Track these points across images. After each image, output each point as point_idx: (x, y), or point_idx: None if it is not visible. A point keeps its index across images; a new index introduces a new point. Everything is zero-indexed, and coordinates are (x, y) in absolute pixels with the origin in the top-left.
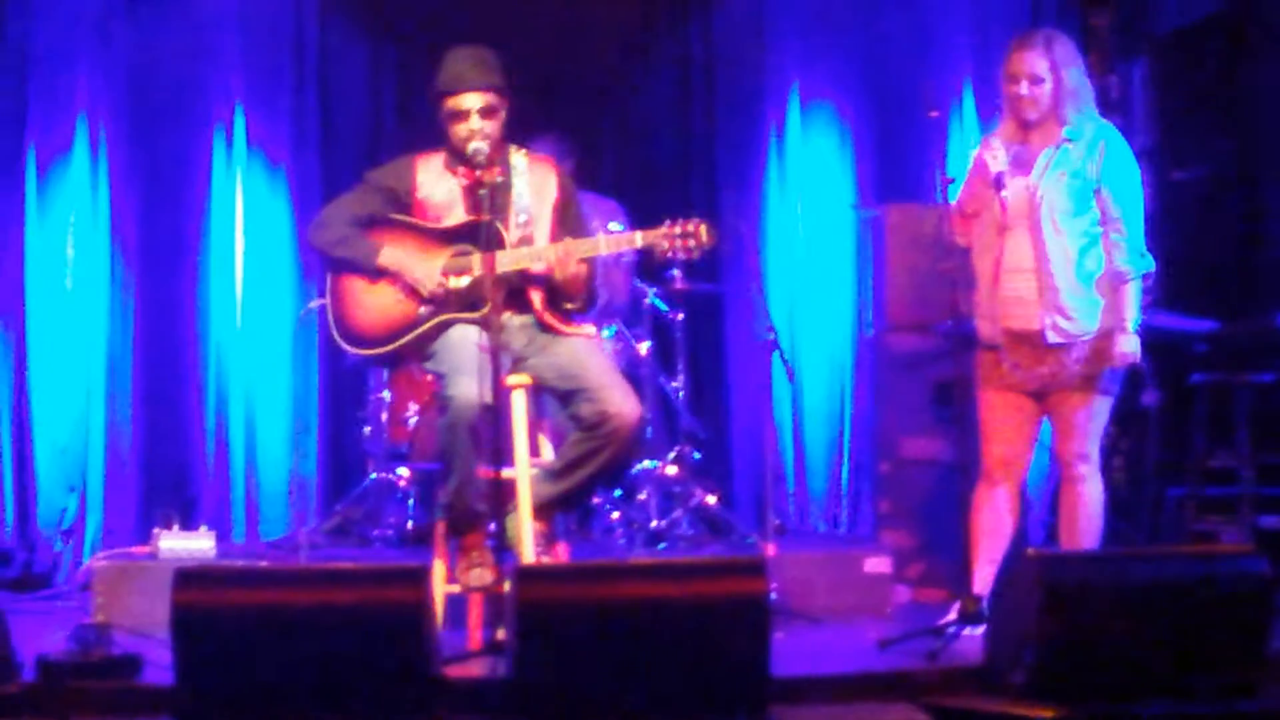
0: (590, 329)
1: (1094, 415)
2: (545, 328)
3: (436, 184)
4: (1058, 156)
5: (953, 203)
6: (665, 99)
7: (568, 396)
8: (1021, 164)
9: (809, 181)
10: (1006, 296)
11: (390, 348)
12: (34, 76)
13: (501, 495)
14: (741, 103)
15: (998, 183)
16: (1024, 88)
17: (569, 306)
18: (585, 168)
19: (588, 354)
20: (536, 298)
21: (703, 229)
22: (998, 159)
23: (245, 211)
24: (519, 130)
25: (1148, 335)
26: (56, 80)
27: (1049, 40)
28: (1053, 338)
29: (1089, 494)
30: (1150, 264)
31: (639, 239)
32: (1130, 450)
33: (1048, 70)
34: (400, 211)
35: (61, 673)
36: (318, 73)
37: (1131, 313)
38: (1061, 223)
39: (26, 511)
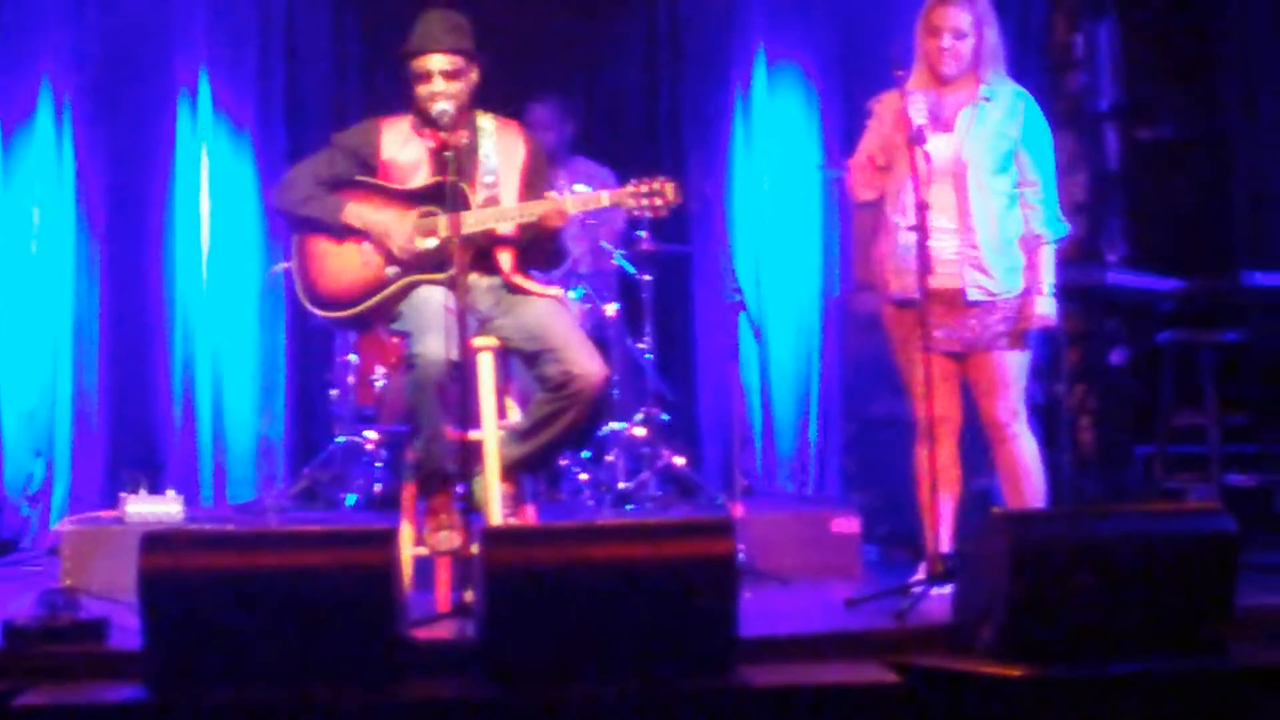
0: (557, 290)
1: (1018, 372)
2: (512, 289)
3: (403, 146)
4: (978, 115)
5: (857, 154)
6: (631, 60)
7: (533, 358)
8: (939, 120)
9: (775, 142)
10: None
11: (357, 309)
12: None
13: (469, 457)
14: (707, 63)
15: (919, 136)
16: (946, 40)
17: (541, 266)
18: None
19: (553, 315)
20: (504, 258)
21: (668, 187)
22: (919, 111)
23: (210, 176)
24: (508, 95)
25: (1115, 294)
26: (19, 44)
27: None
28: (974, 295)
29: (1024, 450)
30: (1065, 228)
31: (605, 198)
32: (1098, 409)
33: (970, 25)
34: (366, 174)
35: (29, 637)
36: (283, 38)
37: (1049, 275)
38: (986, 181)
39: None
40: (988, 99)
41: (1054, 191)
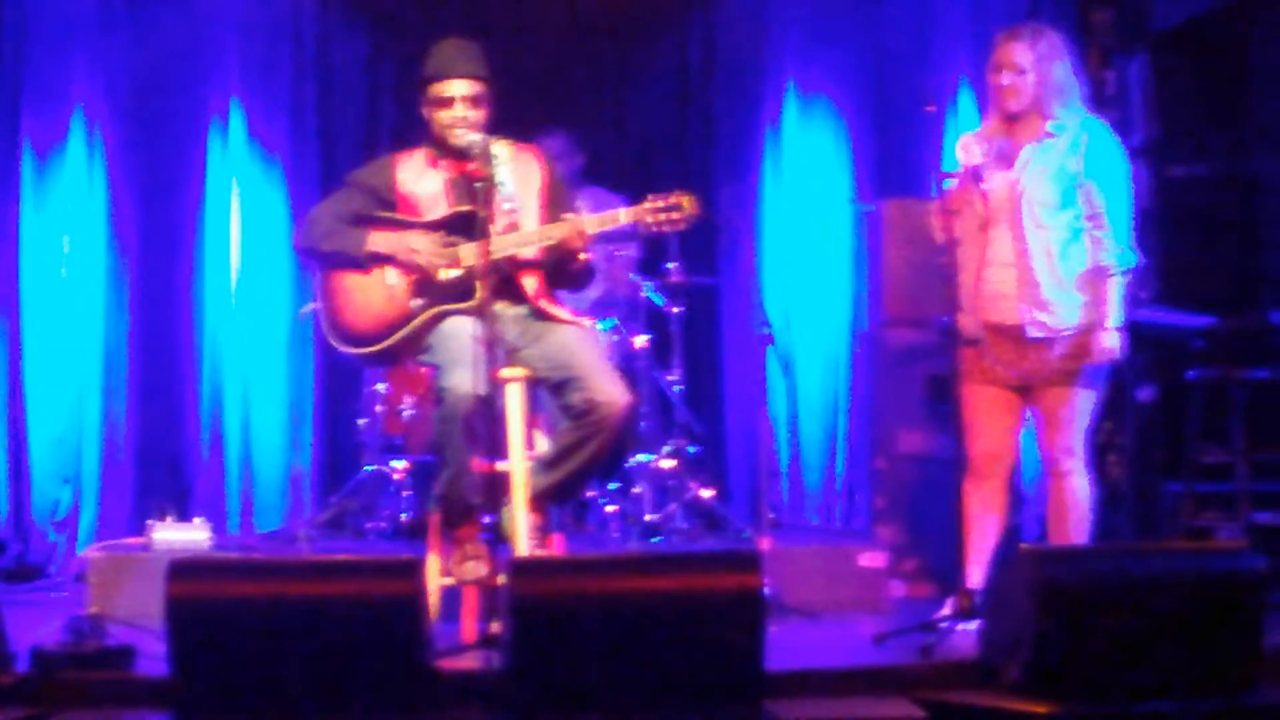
0: (585, 320)
1: (1078, 410)
2: (540, 315)
3: (419, 179)
4: (1040, 150)
5: (941, 199)
6: (663, 93)
7: (558, 386)
8: (1004, 158)
9: (806, 176)
10: (988, 291)
11: (384, 344)
12: (29, 67)
13: (496, 488)
14: (739, 96)
15: (975, 176)
16: (1006, 78)
17: (567, 281)
18: (587, 162)
19: (578, 343)
20: (530, 283)
21: (685, 200)
22: (973, 153)
23: (241, 204)
24: (520, 126)
25: (1145, 330)
26: (52, 71)
27: (1036, 33)
28: (1033, 332)
29: (1076, 489)
30: (1134, 260)
31: (624, 216)
32: (1126, 446)
33: (1032, 63)
34: (384, 210)
35: (55, 664)
36: (315, 65)
37: (1114, 309)
38: (1043, 217)
39: (21, 502)
40: (1052, 135)
41: (1125, 222)
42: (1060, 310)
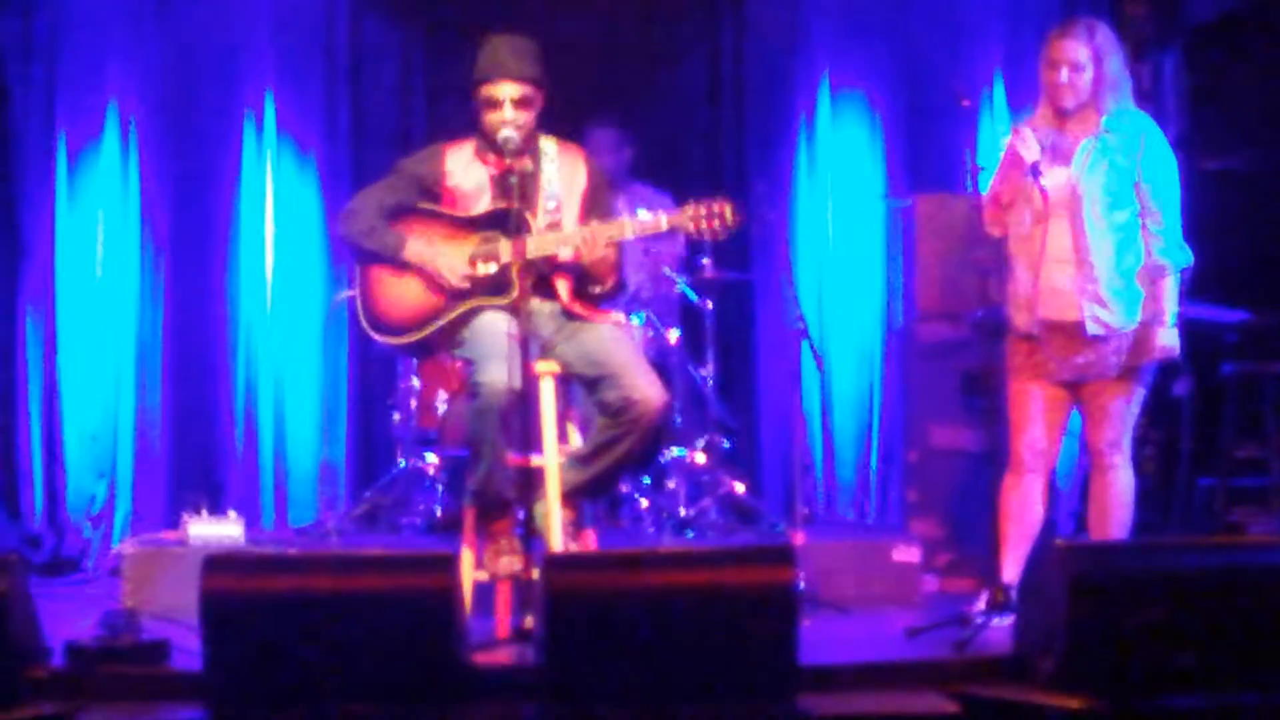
0: (619, 316)
1: (1130, 406)
2: (573, 315)
3: (466, 172)
4: (1098, 148)
5: (985, 192)
6: (695, 88)
7: (594, 383)
8: (1060, 153)
9: (839, 170)
10: (1045, 287)
11: (419, 335)
12: (64, 64)
13: (530, 483)
14: (772, 91)
15: (1034, 171)
16: (1064, 74)
17: (597, 291)
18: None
19: (614, 341)
20: (563, 286)
21: (727, 209)
22: (1031, 148)
23: (275, 199)
24: (570, 120)
25: (1180, 325)
26: (87, 66)
27: (1091, 28)
28: (1092, 329)
29: (1121, 483)
30: (1189, 258)
31: (664, 222)
32: (1161, 440)
33: (1089, 58)
34: (429, 200)
35: (90, 658)
36: (349, 61)
37: (1171, 305)
38: (1103, 214)
39: (56, 497)
40: (1108, 131)
41: (1177, 220)
42: (1119, 307)
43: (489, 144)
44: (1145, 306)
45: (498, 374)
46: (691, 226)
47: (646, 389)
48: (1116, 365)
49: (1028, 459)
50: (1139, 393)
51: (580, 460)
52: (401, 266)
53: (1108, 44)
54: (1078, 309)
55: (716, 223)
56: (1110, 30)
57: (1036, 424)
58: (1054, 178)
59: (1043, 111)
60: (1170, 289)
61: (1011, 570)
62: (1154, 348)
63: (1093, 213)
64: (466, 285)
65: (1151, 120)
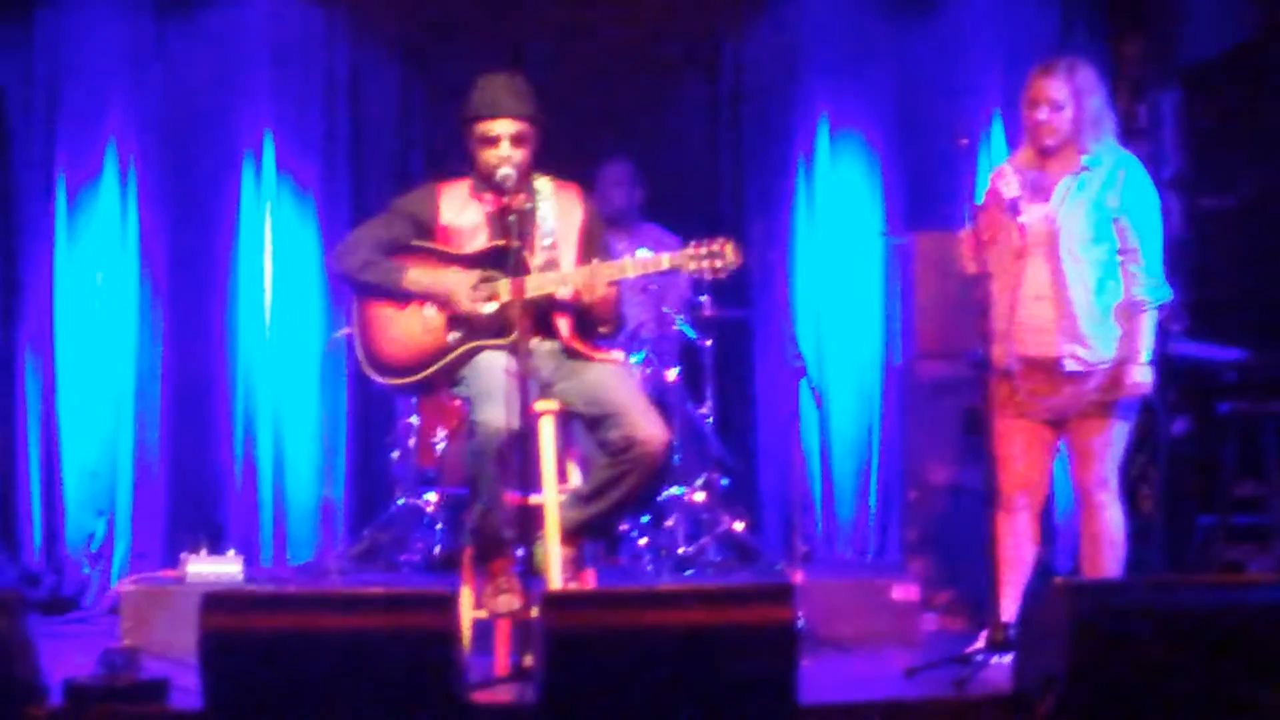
0: (619, 354)
1: (1112, 442)
2: (573, 354)
3: (461, 211)
4: (1077, 185)
5: (968, 229)
6: (695, 127)
7: (595, 422)
8: (1039, 191)
9: (838, 209)
10: (1023, 323)
11: (419, 376)
12: (63, 104)
13: (529, 521)
14: (770, 130)
15: (1013, 208)
16: (1044, 113)
17: (600, 330)
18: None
19: (615, 380)
20: (563, 324)
21: (728, 248)
22: (1010, 185)
23: (274, 237)
24: (568, 160)
25: (1177, 364)
26: (86, 108)
27: (1071, 67)
28: (1070, 365)
29: (1110, 521)
30: (1168, 294)
31: (666, 261)
32: (1160, 479)
33: (1069, 97)
34: (424, 238)
35: (89, 697)
36: (348, 100)
37: (1146, 342)
38: (1080, 251)
39: (55, 534)
40: (1087, 168)
41: (1157, 256)
42: (1097, 344)
43: (484, 182)
44: (1121, 343)
45: (495, 413)
46: (693, 266)
47: (649, 428)
48: (1095, 402)
49: (1015, 496)
50: (1121, 428)
51: (581, 499)
52: (402, 299)
53: (1088, 83)
54: (1056, 346)
55: (718, 262)
56: (1091, 68)
57: (1021, 461)
58: (1032, 214)
59: (1025, 150)
60: (1148, 325)
61: (1010, 609)
62: (1128, 384)
63: (1070, 249)
64: (475, 308)
65: (1134, 157)
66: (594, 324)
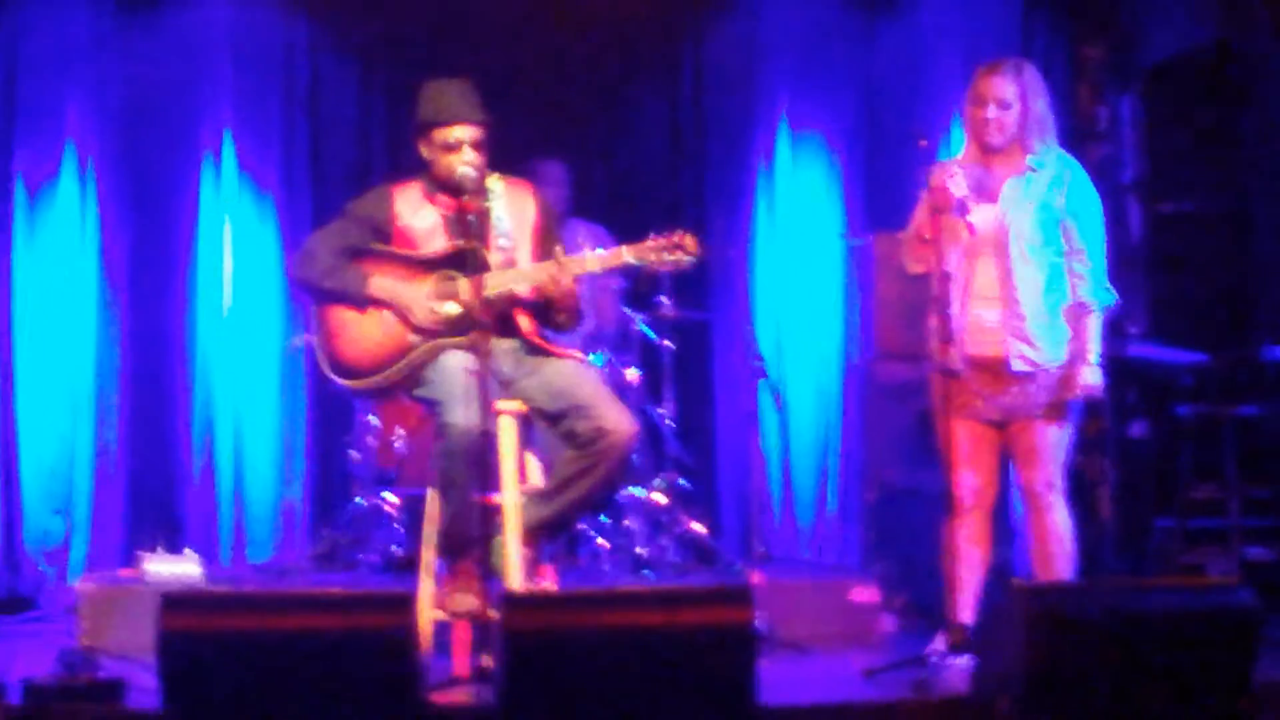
0: (578, 353)
1: (1058, 443)
2: (533, 349)
3: (416, 213)
4: (1024, 185)
5: (908, 229)
6: (654, 126)
7: (560, 416)
8: (985, 191)
9: (798, 210)
10: (971, 323)
11: (380, 378)
12: (21, 102)
13: (491, 521)
14: (731, 131)
15: (961, 208)
16: (991, 111)
17: (559, 321)
18: (575, 194)
19: (579, 373)
20: (524, 321)
21: (688, 239)
22: (959, 184)
23: (234, 237)
24: (509, 161)
25: (1135, 366)
26: (44, 105)
27: (1018, 67)
28: (1018, 366)
29: (1059, 522)
30: (1113, 298)
31: (626, 254)
32: (1118, 482)
33: (1016, 96)
34: (381, 241)
35: (47, 696)
36: (307, 101)
37: (1094, 344)
38: (1030, 252)
39: (12, 533)
40: (1034, 169)
41: (1102, 260)
42: (1044, 344)
43: (439, 184)
44: (1071, 344)
45: (466, 414)
46: (654, 258)
47: (618, 419)
48: (1042, 404)
49: (964, 498)
50: (1067, 430)
51: (544, 496)
52: (363, 305)
53: (1035, 83)
54: (1003, 345)
55: (679, 253)
56: (1036, 70)
57: (970, 463)
58: (981, 215)
59: (969, 148)
60: (1094, 327)
61: (966, 610)
62: (1077, 385)
63: (1019, 250)
64: (432, 320)
65: (1076, 161)
66: (557, 317)
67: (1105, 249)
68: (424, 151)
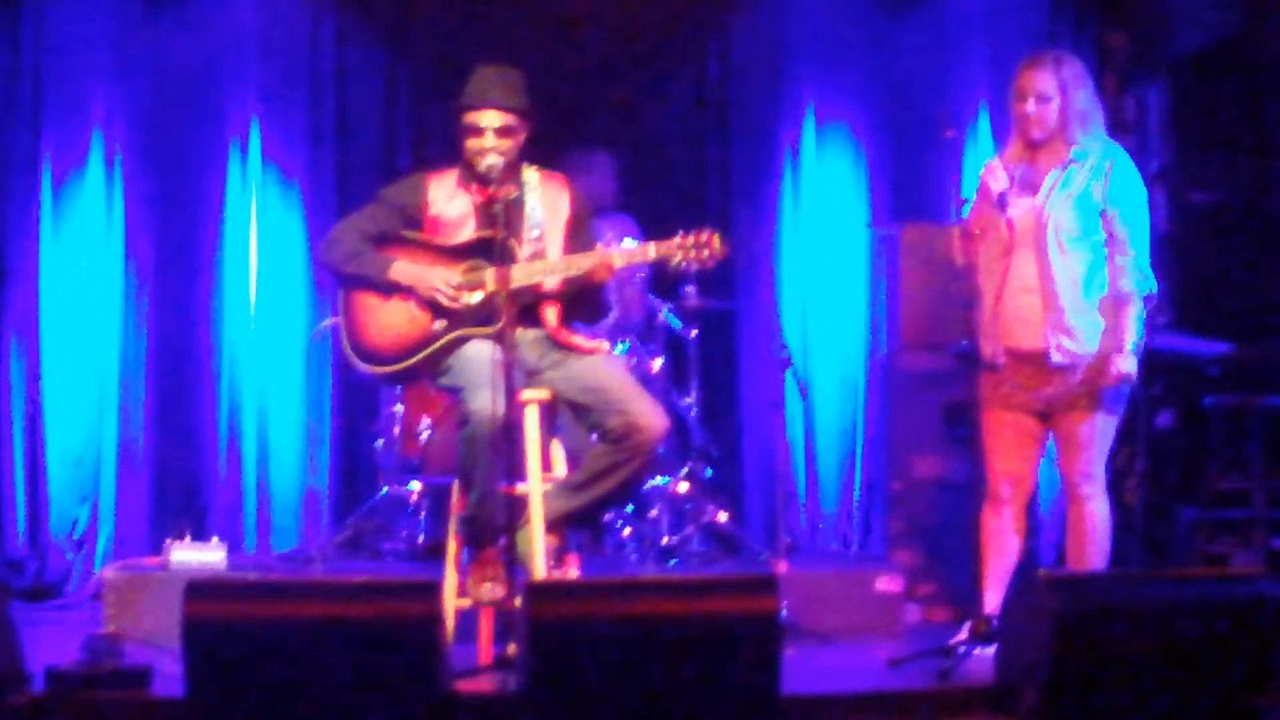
0: (604, 344)
1: (1098, 434)
2: (559, 344)
3: (449, 201)
4: (1064, 177)
5: (961, 223)
6: (681, 117)
7: (591, 410)
8: (1028, 184)
9: (823, 200)
10: (1010, 316)
11: (404, 364)
12: (49, 90)
13: (516, 510)
14: (757, 122)
15: (1001, 202)
16: (1031, 105)
17: (585, 313)
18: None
19: (609, 367)
20: (550, 314)
21: (715, 238)
22: (999, 179)
23: (259, 225)
24: (553, 151)
25: (1162, 357)
26: (72, 94)
27: (1058, 60)
28: (1057, 358)
29: (1095, 513)
30: (1153, 285)
31: (652, 250)
32: (1144, 472)
33: (1055, 89)
34: (412, 228)
35: (71, 683)
36: (334, 89)
37: (1131, 333)
38: (1067, 244)
39: (38, 521)
40: (1075, 161)
41: (1144, 249)
42: (1083, 336)
43: (471, 173)
44: (1107, 333)
45: (488, 402)
46: (680, 256)
47: (650, 414)
48: (1081, 394)
49: (1002, 489)
50: (1107, 420)
51: (574, 486)
52: (387, 290)
53: (1075, 76)
54: (1042, 338)
55: (705, 252)
56: (1078, 62)
57: (1008, 454)
58: (1020, 207)
59: (1014, 144)
60: (1133, 316)
61: (993, 600)
62: (1113, 373)
63: (1058, 241)
64: (460, 302)
65: (1121, 149)
66: (578, 313)
67: (1148, 237)
68: (459, 135)
